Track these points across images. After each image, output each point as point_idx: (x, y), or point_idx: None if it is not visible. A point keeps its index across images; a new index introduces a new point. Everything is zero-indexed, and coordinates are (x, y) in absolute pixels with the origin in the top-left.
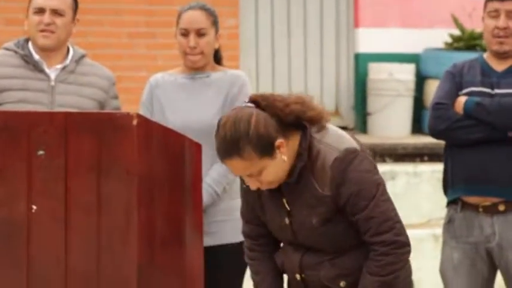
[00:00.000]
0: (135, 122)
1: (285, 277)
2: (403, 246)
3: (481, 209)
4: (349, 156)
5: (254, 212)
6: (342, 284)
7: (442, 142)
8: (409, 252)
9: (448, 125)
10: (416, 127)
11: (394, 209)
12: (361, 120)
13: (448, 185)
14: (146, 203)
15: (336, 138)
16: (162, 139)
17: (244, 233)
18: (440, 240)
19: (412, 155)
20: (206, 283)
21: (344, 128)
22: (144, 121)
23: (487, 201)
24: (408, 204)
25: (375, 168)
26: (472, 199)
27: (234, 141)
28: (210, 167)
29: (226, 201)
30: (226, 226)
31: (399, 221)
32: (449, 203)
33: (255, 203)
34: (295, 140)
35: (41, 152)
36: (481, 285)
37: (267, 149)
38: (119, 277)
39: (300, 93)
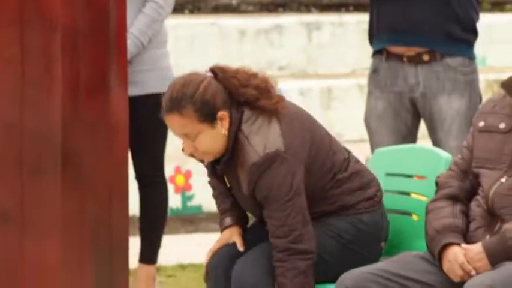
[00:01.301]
0: None
1: None
2: (299, 253)
3: (405, 59)
4: (267, 162)
5: None
6: None
7: None
8: (309, 259)
9: None
10: None
11: (296, 217)
12: None
13: (373, 35)
14: (70, 54)
15: (261, 138)
16: None
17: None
18: (365, 90)
19: (337, 5)
20: (131, 132)
21: None
22: None
23: (412, 51)
24: (333, 54)
25: (300, 165)
26: (397, 49)
27: (178, 99)
28: (135, 17)
29: (152, 51)
30: (151, 75)
31: (298, 229)
32: (374, 53)
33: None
34: (233, 133)
35: None
36: (404, 133)
37: (208, 115)
38: (43, 128)
39: (266, 78)
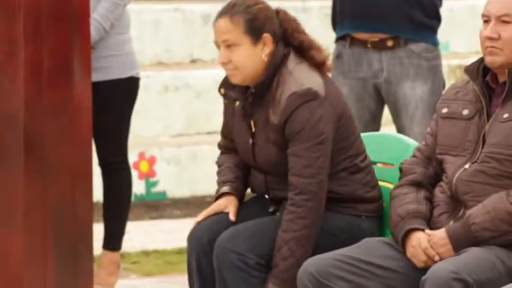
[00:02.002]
0: None
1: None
2: (316, 200)
3: (369, 45)
4: (307, 96)
5: (228, 129)
6: None
7: None
8: (321, 210)
9: None
10: None
11: (324, 162)
12: None
13: (337, 21)
14: (33, 38)
15: (306, 75)
16: None
17: (219, 146)
18: (329, 75)
19: None
20: (94, 118)
21: None
22: None
23: (376, 37)
24: None
25: (333, 118)
26: (361, 35)
27: (234, 5)
28: (97, 3)
29: (115, 37)
30: (115, 61)
31: (322, 175)
32: (338, 39)
33: (228, 120)
34: (278, 60)
35: None
36: (368, 120)
37: (254, 31)
38: (6, 113)
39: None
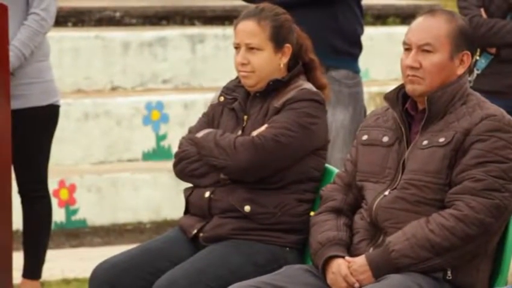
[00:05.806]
0: None
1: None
2: None
3: None
4: (305, 96)
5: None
6: (246, 208)
7: (252, 4)
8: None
9: None
10: None
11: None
12: None
13: None
14: None
15: (311, 86)
16: None
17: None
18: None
19: (221, 17)
20: (14, 146)
21: None
22: None
23: None
24: (217, 67)
25: (316, 117)
26: None
27: (264, 10)
28: (17, 30)
29: (35, 64)
30: (35, 88)
31: None
32: None
33: (215, 116)
34: (297, 71)
35: None
36: None
37: (278, 39)
38: None
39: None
